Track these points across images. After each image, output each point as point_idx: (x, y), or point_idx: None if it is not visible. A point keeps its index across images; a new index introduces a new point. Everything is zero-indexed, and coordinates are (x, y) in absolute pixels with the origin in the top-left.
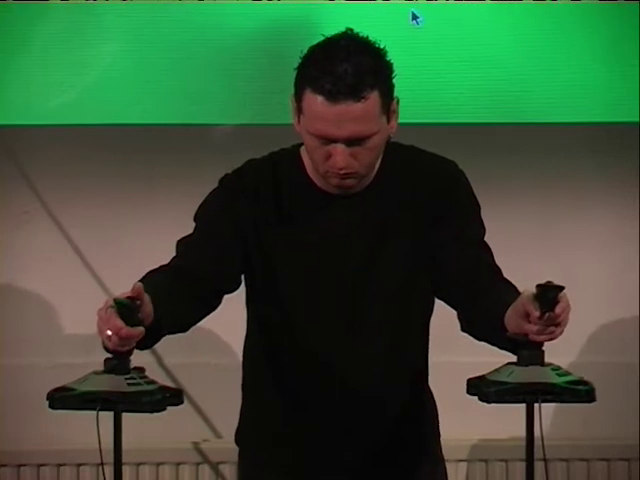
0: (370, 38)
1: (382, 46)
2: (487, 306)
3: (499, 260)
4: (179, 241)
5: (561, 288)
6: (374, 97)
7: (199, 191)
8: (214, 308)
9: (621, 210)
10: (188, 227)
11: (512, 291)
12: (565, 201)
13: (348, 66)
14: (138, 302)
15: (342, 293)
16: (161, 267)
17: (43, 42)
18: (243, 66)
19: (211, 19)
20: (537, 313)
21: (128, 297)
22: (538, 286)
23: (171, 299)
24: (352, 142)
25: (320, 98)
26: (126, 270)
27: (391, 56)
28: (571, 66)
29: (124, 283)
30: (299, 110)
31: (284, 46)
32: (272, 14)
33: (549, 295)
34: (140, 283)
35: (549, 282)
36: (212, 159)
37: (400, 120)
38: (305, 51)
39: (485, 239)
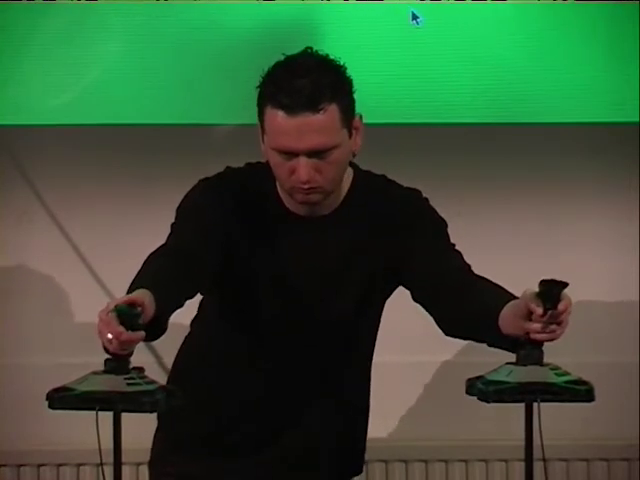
0: (330, 55)
1: (342, 63)
2: (473, 301)
3: (499, 260)
4: (172, 224)
5: (565, 284)
6: (333, 109)
7: None
8: (204, 286)
9: (621, 210)
10: None
11: (491, 283)
12: (565, 201)
13: (307, 80)
14: (139, 309)
15: (301, 310)
16: (158, 249)
17: (43, 42)
18: (244, 66)
19: (212, 19)
20: (540, 310)
21: (129, 303)
22: (542, 282)
23: (169, 281)
24: (314, 154)
25: (280, 112)
26: (126, 270)
27: (391, 56)
28: (571, 66)
29: (124, 283)
30: (262, 129)
31: (285, 46)
32: (272, 14)
33: (553, 291)
34: (142, 291)
35: (553, 279)
36: (212, 159)
37: (400, 120)
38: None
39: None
